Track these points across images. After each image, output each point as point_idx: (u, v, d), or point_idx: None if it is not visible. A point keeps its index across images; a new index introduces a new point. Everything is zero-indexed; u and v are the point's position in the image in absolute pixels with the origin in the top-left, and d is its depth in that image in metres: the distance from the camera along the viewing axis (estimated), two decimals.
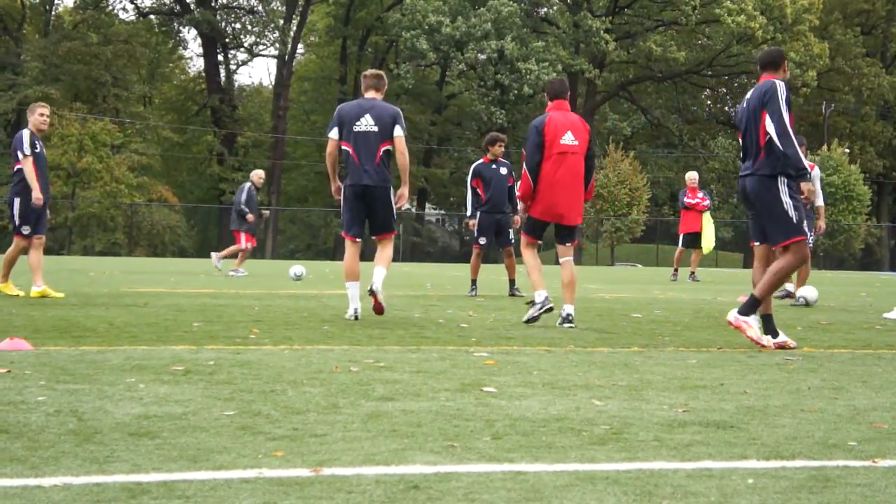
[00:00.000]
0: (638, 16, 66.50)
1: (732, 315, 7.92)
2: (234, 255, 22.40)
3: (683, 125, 71.12)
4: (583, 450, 3.78)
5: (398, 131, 9.83)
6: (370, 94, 10.21)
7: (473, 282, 14.80)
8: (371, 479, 3.25)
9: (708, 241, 22.36)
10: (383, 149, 9.80)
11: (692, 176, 23.19)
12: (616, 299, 14.31)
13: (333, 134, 10.07)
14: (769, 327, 7.95)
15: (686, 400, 5.00)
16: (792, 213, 7.82)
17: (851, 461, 3.68)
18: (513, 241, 14.81)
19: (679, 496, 3.12)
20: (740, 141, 8.27)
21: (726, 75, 69.41)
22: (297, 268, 19.89)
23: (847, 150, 60.71)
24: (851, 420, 4.53)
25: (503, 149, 14.82)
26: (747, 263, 60.65)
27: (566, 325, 9.29)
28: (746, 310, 7.86)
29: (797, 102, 69.86)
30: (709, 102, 76.69)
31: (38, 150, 12.06)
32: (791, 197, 7.83)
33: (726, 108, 75.79)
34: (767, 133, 7.76)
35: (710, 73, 68.80)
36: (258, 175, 22.62)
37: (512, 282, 14.78)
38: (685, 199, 22.59)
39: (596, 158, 10.15)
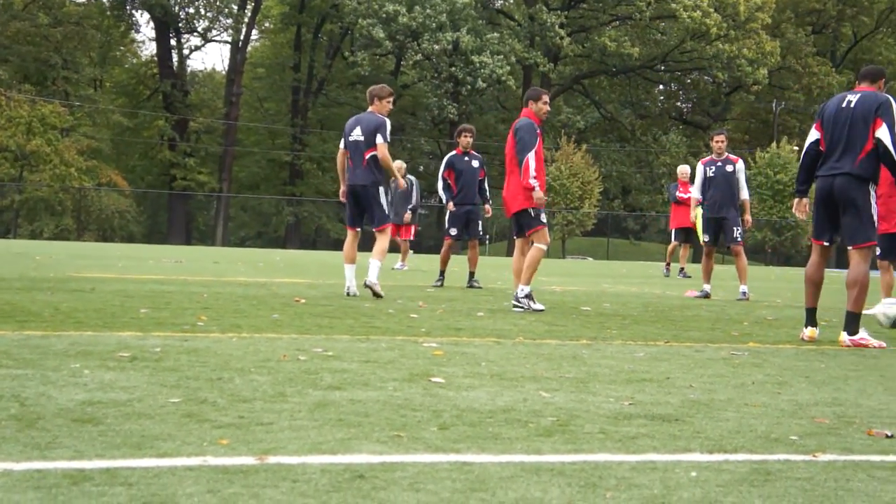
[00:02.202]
0: (593, 10, 66.74)
1: (846, 338, 8.11)
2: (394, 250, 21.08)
3: (636, 120, 71.54)
4: (529, 441, 3.79)
5: (379, 139, 11.55)
6: (370, 108, 11.94)
7: (441, 272, 14.93)
8: (317, 468, 3.24)
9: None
10: (369, 155, 11.58)
11: (684, 170, 23.00)
12: (566, 292, 14.38)
13: (341, 145, 11.97)
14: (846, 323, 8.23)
15: (632, 393, 5.04)
16: (876, 217, 8.20)
17: (793, 455, 3.72)
18: (480, 233, 14.97)
19: (623, 488, 3.14)
20: (820, 136, 8.31)
21: (679, 71, 69.91)
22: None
23: (796, 148, 61.29)
24: (794, 415, 4.59)
25: (471, 139, 14.87)
26: (696, 258, 61.15)
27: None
28: (852, 327, 8.13)
29: (748, 99, 70.61)
30: (661, 98, 77.20)
31: None
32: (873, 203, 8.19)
33: (678, 104, 76.39)
34: (878, 139, 7.93)
35: (663, 68, 69.25)
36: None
37: (471, 274, 14.79)
38: (677, 194, 22.43)
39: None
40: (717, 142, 14.49)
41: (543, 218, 10.62)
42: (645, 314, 10.59)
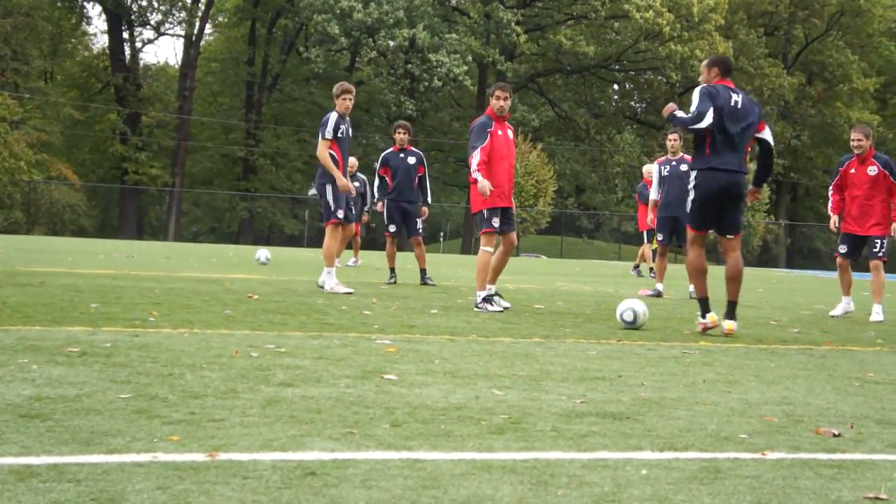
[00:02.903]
0: (548, 9, 66.91)
1: (734, 325, 8.76)
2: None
3: (591, 119, 71.84)
4: (481, 439, 3.80)
5: (319, 136, 11.80)
6: None
7: (392, 270, 14.81)
8: (268, 465, 3.23)
9: None
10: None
11: (650, 168, 23.05)
12: (519, 290, 14.41)
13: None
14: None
15: (584, 391, 5.06)
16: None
17: (742, 453, 3.76)
18: (420, 230, 14.85)
19: (574, 486, 3.16)
20: (713, 134, 8.68)
21: (633, 71, 70.30)
22: (263, 251, 19.45)
23: (747, 150, 61.86)
24: (743, 413, 4.63)
25: (406, 135, 14.74)
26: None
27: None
28: (734, 314, 8.88)
29: None
30: (616, 97, 77.59)
31: None
32: None
33: (633, 104, 76.79)
34: (765, 141, 8.99)
35: (617, 67, 69.60)
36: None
37: (423, 271, 14.76)
38: (647, 193, 22.34)
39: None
40: (670, 140, 14.59)
41: (495, 222, 10.52)
42: (598, 312, 10.64)
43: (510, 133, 10.68)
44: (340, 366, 5.53)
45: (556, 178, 59.18)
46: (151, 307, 8.59)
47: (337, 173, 11.76)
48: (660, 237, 14.60)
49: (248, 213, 64.77)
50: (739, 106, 8.70)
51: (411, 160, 14.66)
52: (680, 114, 8.63)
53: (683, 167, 14.29)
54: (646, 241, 22.52)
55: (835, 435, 4.19)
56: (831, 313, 12.04)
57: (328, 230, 11.98)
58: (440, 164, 69.42)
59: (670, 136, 14.65)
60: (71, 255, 20.58)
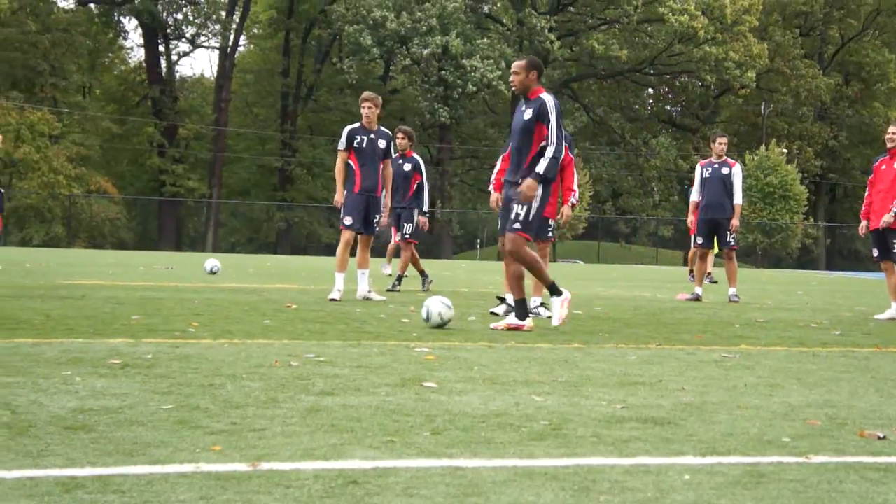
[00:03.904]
0: (581, 14, 66.88)
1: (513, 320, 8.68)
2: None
3: (626, 123, 71.64)
4: (522, 445, 3.79)
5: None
6: None
7: (421, 273, 14.92)
8: (310, 474, 3.23)
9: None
10: None
11: None
12: None
13: None
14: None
15: (625, 396, 5.04)
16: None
17: (785, 457, 3.73)
18: (408, 236, 14.61)
19: (616, 492, 3.14)
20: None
21: (668, 74, 70.05)
22: (211, 261, 18.91)
23: (785, 151, 61.49)
24: (786, 417, 4.59)
25: (406, 141, 14.55)
26: (687, 261, 61.23)
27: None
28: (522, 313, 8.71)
29: (736, 102, 70.78)
30: (650, 101, 77.34)
31: None
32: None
33: (667, 107, 76.50)
34: (549, 140, 8.61)
35: (651, 71, 69.38)
36: None
37: (399, 278, 14.55)
38: None
39: None
40: (718, 143, 14.34)
41: (518, 224, 10.40)
42: (636, 317, 10.60)
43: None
44: (380, 374, 5.54)
45: (591, 183, 59.06)
46: (191, 318, 8.65)
47: (338, 187, 11.86)
48: (699, 240, 14.51)
49: (286, 224, 65.08)
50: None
51: (407, 167, 14.55)
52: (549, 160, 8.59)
53: (725, 170, 14.17)
54: (693, 244, 22.24)
55: (880, 438, 4.14)
56: (876, 316, 11.84)
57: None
58: (476, 171, 69.46)
59: (719, 139, 14.42)
60: (111, 267, 20.76)
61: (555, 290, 8.87)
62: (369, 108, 11.86)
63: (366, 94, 12.12)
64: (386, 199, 12.12)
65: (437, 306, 8.49)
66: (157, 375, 5.23)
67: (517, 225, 8.66)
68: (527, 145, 8.67)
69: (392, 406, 4.52)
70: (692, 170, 65.25)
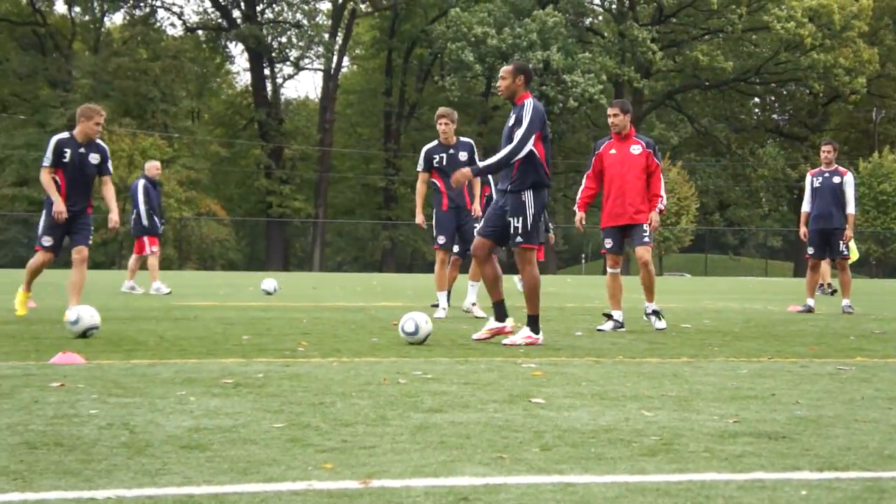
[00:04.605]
0: (683, 24, 66.20)
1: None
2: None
3: (731, 133, 70.63)
4: (633, 461, 3.76)
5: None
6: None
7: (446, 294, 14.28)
8: (420, 491, 3.25)
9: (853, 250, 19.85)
10: None
11: None
12: (665, 310, 14.21)
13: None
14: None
15: (737, 410, 4.96)
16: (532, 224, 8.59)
17: None
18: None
19: None
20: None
21: (774, 83, 68.88)
22: (270, 281, 18.38)
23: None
24: None
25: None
26: (798, 272, 60.09)
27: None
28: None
29: (846, 109, 69.28)
30: (757, 110, 76.13)
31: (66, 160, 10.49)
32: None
33: (774, 116, 75.21)
34: (513, 140, 8.47)
35: (757, 80, 68.30)
36: (154, 166, 18.84)
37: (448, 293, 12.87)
38: None
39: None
40: (824, 152, 14.09)
41: (607, 243, 10.55)
42: (747, 330, 10.42)
43: (632, 149, 10.31)
44: (488, 390, 5.54)
45: (697, 194, 58.35)
46: (300, 337, 8.76)
47: (417, 209, 12.14)
48: (810, 250, 14.20)
49: (391, 242, 65.56)
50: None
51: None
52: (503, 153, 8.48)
53: (836, 179, 13.87)
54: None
55: None
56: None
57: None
58: (578, 186, 68.92)
59: (824, 147, 14.14)
60: (221, 288, 21.16)
61: (501, 313, 8.85)
62: (445, 124, 11.80)
63: (440, 110, 12.10)
64: (476, 207, 12.03)
65: (424, 324, 8.25)
66: (269, 394, 5.30)
67: (519, 239, 8.58)
68: None
69: (500, 422, 4.52)
70: (801, 179, 64.09)
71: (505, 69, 8.76)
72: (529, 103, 8.56)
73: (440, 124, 11.78)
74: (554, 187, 66.34)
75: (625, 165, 10.17)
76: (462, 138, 11.99)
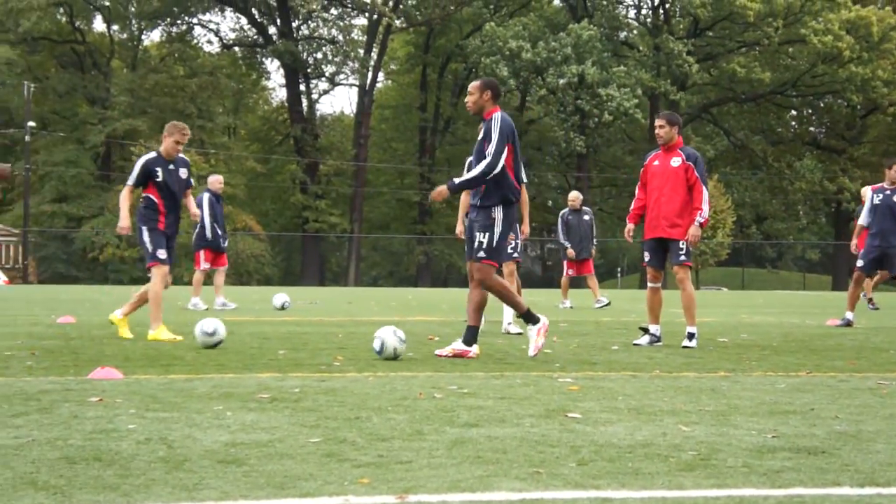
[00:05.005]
0: (719, 37, 65.94)
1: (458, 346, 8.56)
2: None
3: (768, 146, 70.21)
4: (670, 476, 3.73)
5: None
6: None
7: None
8: None
9: None
10: None
11: (867, 191, 21.97)
12: (701, 323, 14.13)
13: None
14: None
15: (775, 425, 4.92)
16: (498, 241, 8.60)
17: None
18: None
19: None
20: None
21: (811, 95, 68.42)
22: (281, 296, 18.17)
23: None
24: None
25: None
26: (836, 286, 59.55)
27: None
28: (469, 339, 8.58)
29: (885, 121, 68.67)
30: (794, 123, 75.62)
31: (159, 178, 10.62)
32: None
33: (811, 129, 74.68)
34: (486, 155, 8.45)
35: (794, 93, 67.87)
36: (217, 180, 19.23)
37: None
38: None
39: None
40: (893, 170, 13.82)
41: (646, 256, 10.38)
42: (785, 344, 10.34)
43: (672, 161, 10.18)
44: (523, 405, 5.53)
45: (734, 208, 58.00)
46: (336, 352, 8.78)
47: (459, 219, 12.02)
48: (860, 263, 14.00)
49: (426, 257, 65.62)
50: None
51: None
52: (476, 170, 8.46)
53: None
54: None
55: None
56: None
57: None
58: (614, 200, 68.91)
59: (895, 167, 13.84)
60: (257, 303, 21.24)
61: (530, 318, 8.62)
62: None
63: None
64: (524, 226, 11.99)
65: (391, 339, 8.14)
66: (305, 409, 5.32)
67: (482, 254, 8.55)
68: None
69: (537, 437, 4.51)
70: (839, 192, 63.47)
71: (472, 85, 8.78)
72: (498, 117, 8.55)
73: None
74: (588, 201, 66.34)
75: (664, 178, 10.09)
76: None
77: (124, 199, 10.63)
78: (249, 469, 3.79)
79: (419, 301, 23.85)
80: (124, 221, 10.59)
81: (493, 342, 10.14)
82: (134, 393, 5.88)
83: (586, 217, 20.12)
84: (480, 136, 8.65)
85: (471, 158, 8.97)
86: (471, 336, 8.60)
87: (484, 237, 8.55)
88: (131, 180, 10.53)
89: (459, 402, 5.60)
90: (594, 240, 20.23)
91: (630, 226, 10.53)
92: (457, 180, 8.59)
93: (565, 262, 19.96)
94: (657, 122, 10.21)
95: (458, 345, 8.56)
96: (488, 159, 8.41)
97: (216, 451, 4.13)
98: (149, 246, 10.46)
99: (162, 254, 10.52)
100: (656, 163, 10.19)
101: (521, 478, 3.67)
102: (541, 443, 4.37)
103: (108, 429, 4.64)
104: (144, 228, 10.47)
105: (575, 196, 20.45)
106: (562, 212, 20.51)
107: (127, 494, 3.38)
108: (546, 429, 4.74)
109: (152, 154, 10.65)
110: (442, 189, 8.63)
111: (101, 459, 3.95)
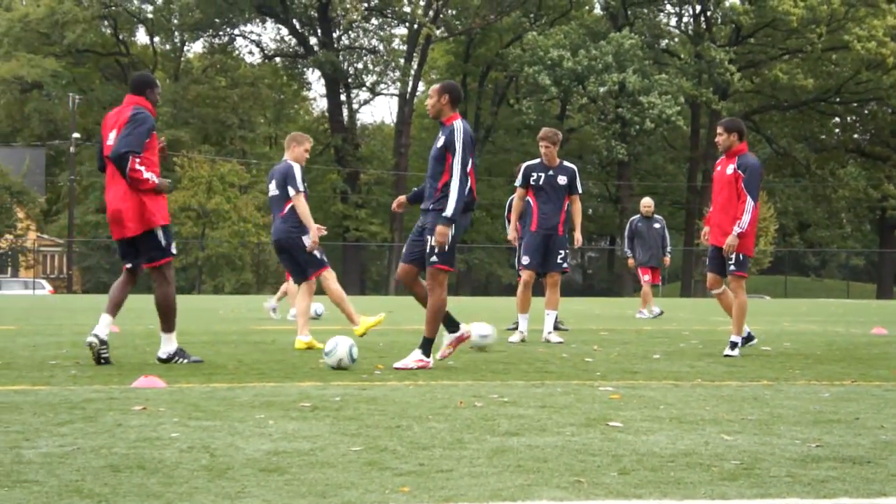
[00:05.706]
0: (761, 45, 65.54)
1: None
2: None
3: (811, 154, 69.65)
4: (713, 485, 3.71)
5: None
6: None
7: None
8: None
9: None
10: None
11: None
12: None
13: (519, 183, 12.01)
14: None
15: (819, 434, 4.87)
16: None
17: None
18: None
19: None
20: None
21: (855, 102, 67.81)
22: (316, 305, 17.58)
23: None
24: None
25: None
26: (881, 294, 58.94)
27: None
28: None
29: None
30: (837, 130, 74.95)
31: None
32: None
33: (855, 136, 73.99)
34: (452, 173, 8.36)
35: (837, 100, 67.29)
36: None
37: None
38: None
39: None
40: None
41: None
42: (829, 353, 10.24)
43: (726, 169, 10.07)
44: (564, 414, 5.52)
45: (776, 216, 57.56)
46: (377, 360, 8.80)
47: (511, 224, 12.14)
48: None
49: (466, 265, 65.60)
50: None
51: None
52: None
53: None
54: None
55: None
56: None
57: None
58: (656, 208, 68.65)
59: None
60: None
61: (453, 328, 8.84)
62: (546, 146, 11.61)
63: (542, 131, 11.89)
64: (577, 235, 12.03)
65: (343, 349, 8.08)
66: (346, 417, 5.33)
67: (434, 259, 8.45)
68: (438, 174, 8.50)
69: (578, 446, 4.49)
70: (883, 199, 62.77)
71: (432, 88, 8.74)
72: (459, 126, 8.50)
73: (541, 147, 11.71)
74: (630, 209, 66.07)
75: (720, 185, 10.05)
76: (566, 163, 11.83)
77: (307, 208, 11.08)
78: (291, 477, 3.81)
79: (459, 309, 23.81)
80: (315, 234, 11.08)
81: (533, 350, 10.12)
82: (177, 401, 5.92)
83: (657, 225, 19.65)
84: (440, 143, 8.54)
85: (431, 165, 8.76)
86: (427, 348, 8.48)
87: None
88: (301, 186, 11.05)
89: (500, 411, 5.60)
90: (668, 248, 19.83)
91: (705, 229, 10.47)
92: (448, 213, 8.30)
93: (639, 270, 19.50)
94: (717, 129, 10.18)
95: (417, 355, 8.41)
96: (457, 175, 8.35)
97: (258, 460, 4.15)
98: (317, 253, 10.98)
99: (325, 257, 11.16)
100: (718, 168, 10.17)
101: (562, 486, 3.66)
102: (582, 452, 4.36)
103: (151, 437, 4.68)
104: (304, 238, 10.92)
105: (648, 203, 19.98)
106: (631, 218, 20.22)
107: (170, 502, 3.41)
108: (587, 438, 4.73)
109: (295, 164, 11.25)
110: (443, 231, 8.35)
111: (144, 467, 3.98)
